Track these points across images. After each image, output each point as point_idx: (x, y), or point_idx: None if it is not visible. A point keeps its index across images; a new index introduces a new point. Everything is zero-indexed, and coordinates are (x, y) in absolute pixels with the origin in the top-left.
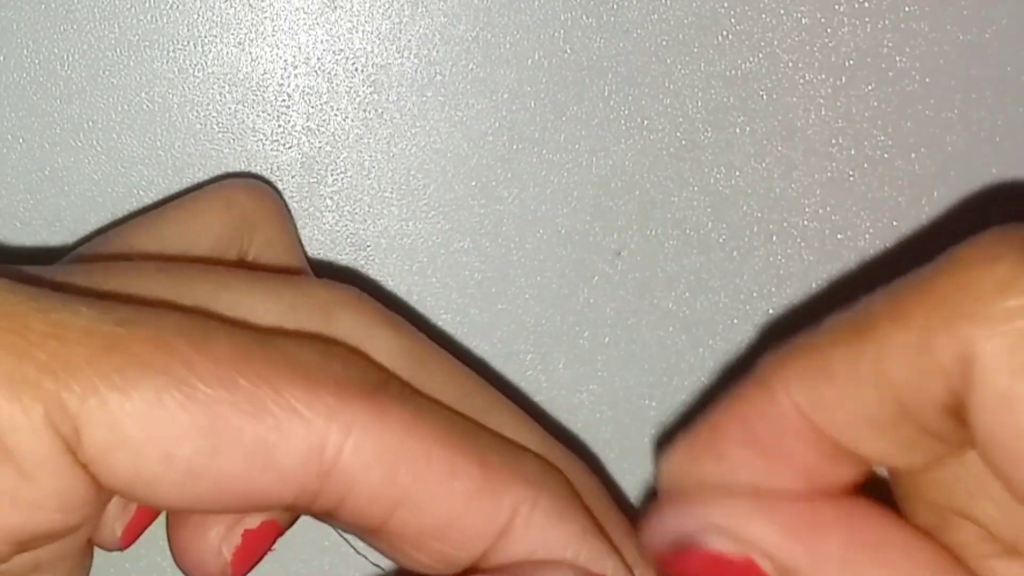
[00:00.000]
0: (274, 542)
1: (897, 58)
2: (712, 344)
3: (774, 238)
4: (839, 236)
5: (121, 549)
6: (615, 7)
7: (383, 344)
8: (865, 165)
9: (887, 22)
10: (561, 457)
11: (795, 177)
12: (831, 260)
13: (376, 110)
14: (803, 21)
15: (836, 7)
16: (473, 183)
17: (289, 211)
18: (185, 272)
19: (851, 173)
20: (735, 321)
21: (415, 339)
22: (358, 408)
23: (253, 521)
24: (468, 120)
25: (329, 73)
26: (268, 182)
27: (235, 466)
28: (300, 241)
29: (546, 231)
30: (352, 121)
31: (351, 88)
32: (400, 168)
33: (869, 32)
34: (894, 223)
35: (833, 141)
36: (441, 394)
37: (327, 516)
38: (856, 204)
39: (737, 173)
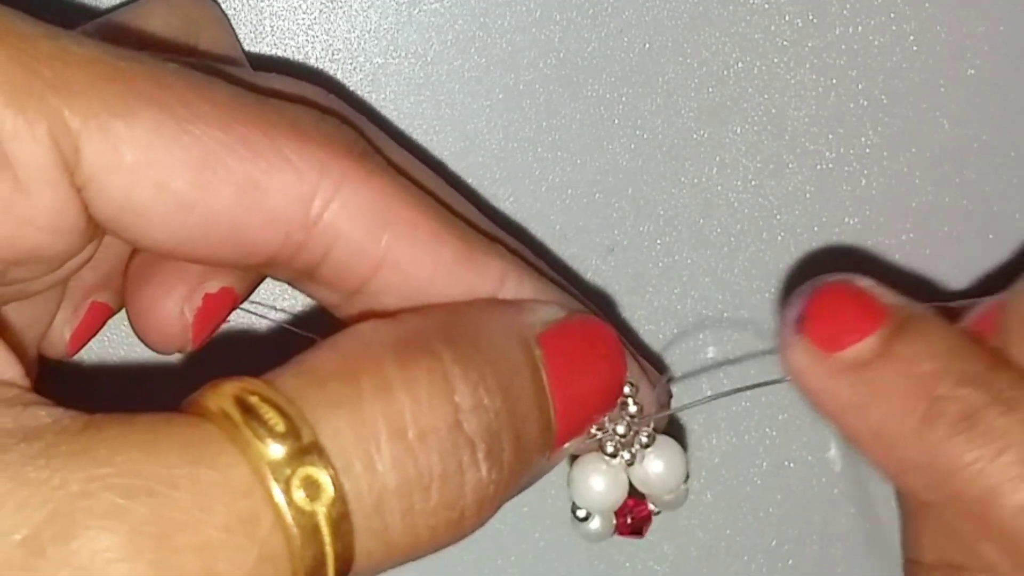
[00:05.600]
0: (231, 310)
1: (888, 56)
2: (704, 340)
3: (764, 235)
4: (830, 232)
5: (68, 356)
6: (609, 7)
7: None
8: (855, 163)
9: (879, 20)
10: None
11: (786, 174)
12: (822, 256)
13: (376, 110)
14: (796, 22)
15: (828, 6)
16: (469, 180)
17: (227, 17)
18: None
19: (842, 170)
20: (727, 317)
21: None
22: (348, 167)
23: (213, 286)
24: (464, 119)
25: (329, 73)
26: None
27: (225, 202)
28: (241, 45)
29: (539, 228)
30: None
31: (351, 88)
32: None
33: (860, 31)
34: (884, 220)
35: (824, 139)
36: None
37: (307, 277)
38: (847, 201)
39: (729, 170)
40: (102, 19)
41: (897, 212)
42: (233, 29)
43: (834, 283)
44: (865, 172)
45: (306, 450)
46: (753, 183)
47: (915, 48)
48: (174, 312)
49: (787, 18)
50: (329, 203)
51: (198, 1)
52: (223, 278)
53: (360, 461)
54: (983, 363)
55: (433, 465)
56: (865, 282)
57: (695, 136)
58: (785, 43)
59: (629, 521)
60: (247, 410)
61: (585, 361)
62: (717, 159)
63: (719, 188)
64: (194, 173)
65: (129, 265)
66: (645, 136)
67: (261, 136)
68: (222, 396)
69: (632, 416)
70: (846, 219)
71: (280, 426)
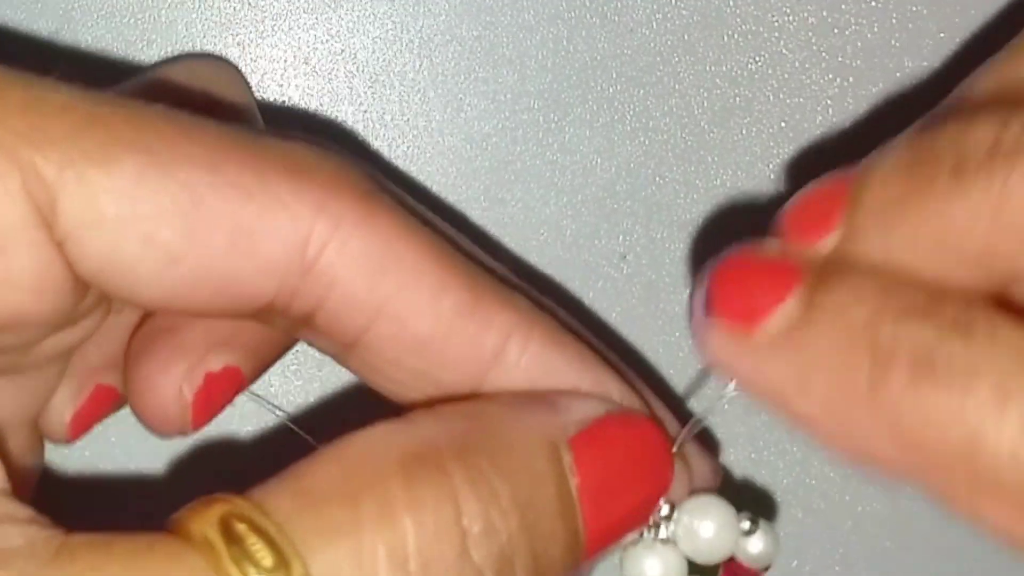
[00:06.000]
0: (236, 392)
1: (905, 58)
2: None
3: None
4: None
5: (68, 441)
6: (619, 6)
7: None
8: None
9: (894, 21)
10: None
11: (802, 179)
12: None
13: (376, 110)
14: (809, 20)
15: (842, 6)
16: (476, 185)
17: (249, 85)
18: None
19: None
20: None
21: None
22: (347, 206)
23: (216, 363)
24: (470, 121)
25: (329, 73)
26: None
27: (216, 252)
28: (259, 114)
29: (551, 234)
30: (352, 121)
31: (351, 88)
32: (401, 170)
33: (877, 32)
34: None
35: (840, 141)
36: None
37: (303, 326)
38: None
39: (744, 174)
40: (123, 85)
41: None
42: (252, 95)
43: (735, 253)
44: None
45: None
46: (769, 188)
47: (935, 49)
48: (172, 391)
49: (803, 18)
50: (325, 246)
51: (221, 67)
52: (228, 355)
53: None
54: (922, 292)
55: None
56: (770, 243)
57: (709, 139)
58: (801, 44)
59: None
60: (233, 539)
61: (624, 471)
62: (732, 163)
63: (734, 193)
64: (182, 222)
65: (131, 338)
66: (658, 140)
67: (252, 177)
68: (207, 520)
69: (665, 516)
70: None
71: (267, 560)
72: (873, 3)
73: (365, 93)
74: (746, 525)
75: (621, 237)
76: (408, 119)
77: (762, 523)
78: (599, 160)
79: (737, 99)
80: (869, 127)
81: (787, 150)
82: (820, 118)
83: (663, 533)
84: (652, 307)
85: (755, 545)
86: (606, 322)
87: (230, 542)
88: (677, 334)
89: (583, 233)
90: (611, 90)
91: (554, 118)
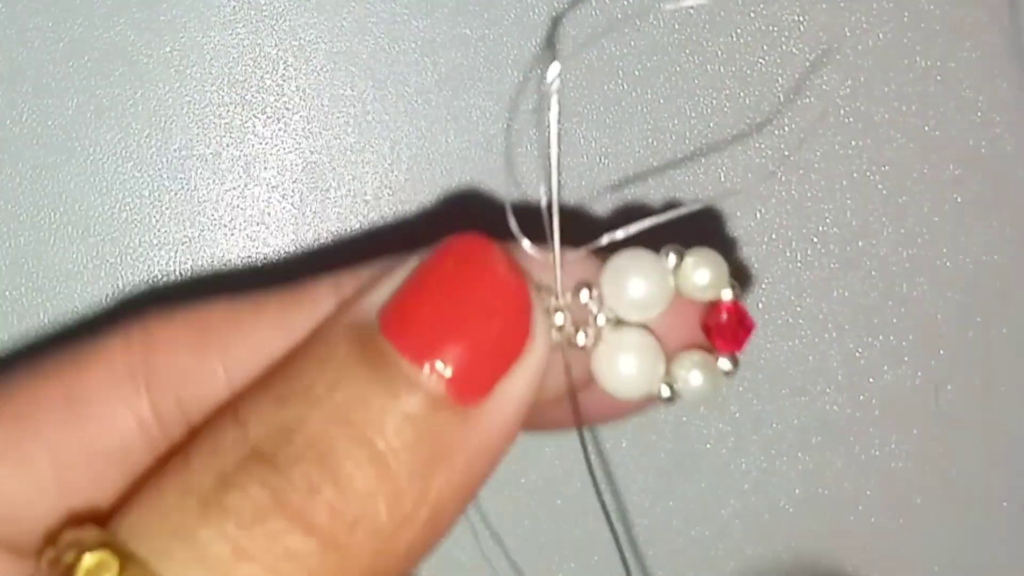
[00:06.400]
0: None
1: (918, 59)
2: None
3: (793, 243)
4: (860, 242)
5: None
6: (626, 6)
7: None
8: (886, 167)
9: (905, 20)
10: None
11: (813, 180)
12: (851, 266)
13: (377, 111)
14: (820, 20)
15: (854, 6)
16: (479, 186)
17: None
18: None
19: (871, 176)
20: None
21: None
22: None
23: None
24: (472, 122)
25: (329, 73)
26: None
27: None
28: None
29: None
30: (352, 121)
31: (351, 88)
32: (402, 170)
33: (888, 32)
34: (916, 228)
35: (852, 143)
36: None
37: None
38: (877, 208)
39: (752, 177)
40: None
41: (931, 220)
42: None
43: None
44: (897, 177)
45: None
46: (780, 190)
47: (948, 50)
48: None
49: (813, 18)
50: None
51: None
52: None
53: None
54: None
55: None
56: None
57: (716, 139)
58: (811, 44)
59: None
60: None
61: (464, 306)
62: (740, 165)
63: (742, 194)
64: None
65: None
66: (664, 142)
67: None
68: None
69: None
70: (877, 227)
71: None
72: (885, 2)
73: (367, 92)
74: (671, 260)
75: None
76: (408, 119)
77: (692, 250)
78: (606, 160)
79: (746, 99)
80: (881, 128)
81: (797, 151)
82: (831, 119)
83: (600, 321)
84: None
85: (701, 276)
86: None
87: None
88: None
89: (590, 236)
90: (617, 89)
91: (558, 119)
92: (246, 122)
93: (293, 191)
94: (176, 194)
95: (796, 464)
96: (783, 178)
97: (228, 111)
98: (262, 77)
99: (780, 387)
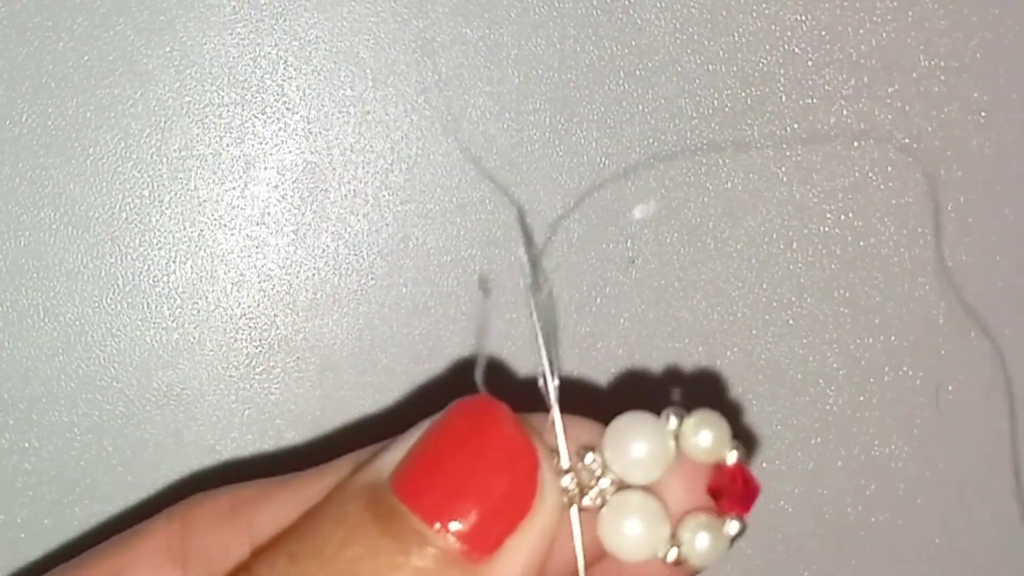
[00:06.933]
0: None
1: (920, 58)
2: (729, 355)
3: (794, 245)
4: (860, 243)
5: None
6: (626, 4)
7: None
8: (888, 168)
9: (909, 20)
10: None
11: (814, 180)
12: (852, 268)
13: (377, 111)
14: (821, 18)
15: (856, 4)
16: (479, 186)
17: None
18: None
19: (872, 176)
20: (753, 332)
21: None
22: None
23: None
24: (473, 122)
25: (329, 73)
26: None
27: None
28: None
29: (558, 239)
30: (352, 121)
31: (351, 88)
32: (403, 171)
33: (891, 31)
34: (918, 228)
35: (854, 144)
36: None
37: None
38: (878, 209)
39: (754, 177)
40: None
41: (933, 220)
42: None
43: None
44: (899, 178)
45: None
46: (780, 191)
47: (950, 49)
48: None
49: (815, 16)
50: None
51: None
52: None
53: None
54: None
55: None
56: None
57: (719, 140)
58: (812, 42)
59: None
60: None
61: (472, 467)
62: (743, 165)
63: (745, 196)
64: None
65: None
66: (666, 141)
67: None
68: None
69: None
70: (879, 227)
71: None
72: (888, 1)
73: (368, 93)
74: (672, 422)
75: (629, 242)
76: (408, 119)
77: (694, 412)
78: (606, 161)
79: (747, 99)
80: (884, 128)
81: (798, 152)
82: (833, 119)
83: (604, 484)
84: (660, 312)
85: (704, 439)
86: (614, 328)
87: None
88: (686, 340)
89: (591, 237)
90: (618, 89)
91: (559, 118)
92: (246, 122)
93: (293, 191)
94: (176, 194)
95: (796, 464)
96: (783, 178)
97: (228, 111)
98: (262, 77)
99: (780, 387)
